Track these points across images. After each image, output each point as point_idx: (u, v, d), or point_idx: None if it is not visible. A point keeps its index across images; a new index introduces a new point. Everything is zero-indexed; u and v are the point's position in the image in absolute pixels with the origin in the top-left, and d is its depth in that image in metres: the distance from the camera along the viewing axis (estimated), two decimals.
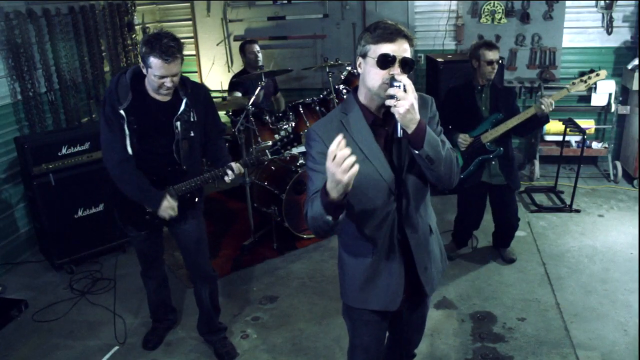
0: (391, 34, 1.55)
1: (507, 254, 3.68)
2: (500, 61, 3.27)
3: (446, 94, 3.57)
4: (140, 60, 2.30)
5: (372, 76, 1.58)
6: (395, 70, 1.54)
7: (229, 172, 2.51)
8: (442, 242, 1.96)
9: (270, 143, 4.01)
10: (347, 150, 1.33)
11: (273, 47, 5.73)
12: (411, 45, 1.59)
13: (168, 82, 2.27)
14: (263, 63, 4.73)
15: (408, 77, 1.54)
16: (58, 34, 4.33)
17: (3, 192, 3.87)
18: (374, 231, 1.70)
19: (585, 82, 3.19)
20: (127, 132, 2.36)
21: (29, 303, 3.40)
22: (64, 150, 3.66)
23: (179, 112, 2.41)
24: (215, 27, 5.88)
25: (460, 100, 3.44)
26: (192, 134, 2.46)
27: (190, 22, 5.95)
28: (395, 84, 1.49)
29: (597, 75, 3.20)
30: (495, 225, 3.69)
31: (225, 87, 5.17)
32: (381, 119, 1.66)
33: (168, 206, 2.46)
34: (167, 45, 2.18)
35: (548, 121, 3.36)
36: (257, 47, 4.67)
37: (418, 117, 1.50)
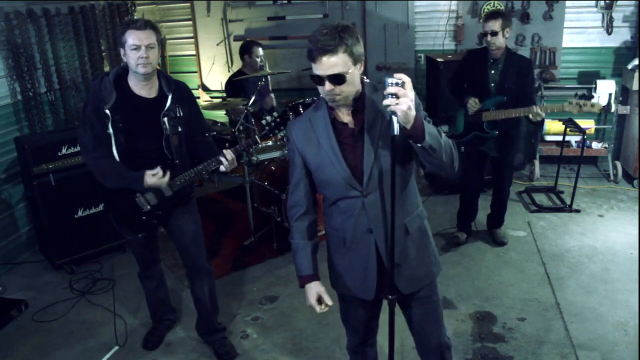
0: (313, 55, 1.59)
1: (498, 236, 3.86)
2: (496, 32, 3.25)
3: (464, 56, 3.66)
4: (120, 50, 2.36)
5: (320, 89, 1.67)
6: (327, 87, 1.60)
7: (222, 159, 2.49)
8: (432, 247, 1.93)
9: (270, 143, 4.03)
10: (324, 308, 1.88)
11: (273, 47, 5.73)
12: (344, 50, 1.57)
13: (143, 53, 2.30)
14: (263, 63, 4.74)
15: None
16: (58, 34, 4.33)
17: (3, 192, 3.87)
18: (343, 222, 1.80)
19: (580, 107, 3.30)
20: (111, 131, 2.38)
21: (29, 303, 3.40)
22: (64, 150, 3.66)
23: (166, 109, 2.44)
24: (215, 27, 5.88)
25: (472, 68, 3.49)
26: (179, 129, 2.49)
27: (190, 22, 5.95)
28: (393, 81, 1.45)
29: (592, 105, 3.30)
30: (492, 195, 3.90)
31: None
32: (342, 121, 1.74)
33: (151, 174, 2.41)
34: (139, 19, 2.37)
35: (541, 125, 3.48)
36: (262, 51, 4.67)
37: (414, 112, 1.50)
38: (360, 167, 1.71)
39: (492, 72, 3.40)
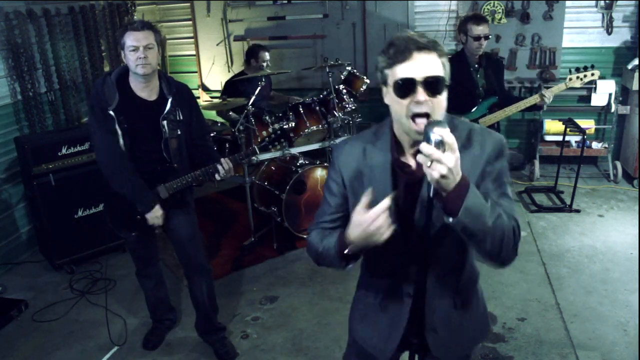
0: (404, 50, 1.23)
1: None
2: (489, 36, 3.26)
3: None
4: (121, 52, 2.37)
5: (395, 108, 1.29)
6: (420, 95, 1.22)
7: (219, 167, 2.53)
8: (481, 311, 1.62)
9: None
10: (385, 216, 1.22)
11: (273, 47, 5.72)
12: (440, 54, 1.26)
13: (141, 54, 2.32)
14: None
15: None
16: (58, 34, 4.33)
17: (3, 192, 3.87)
18: (377, 281, 1.54)
19: (581, 79, 3.30)
20: (119, 131, 2.40)
21: (29, 303, 3.40)
22: (64, 150, 3.66)
23: (165, 112, 2.45)
24: (215, 27, 5.88)
25: (457, 76, 3.39)
26: (179, 132, 2.50)
27: (190, 22, 5.95)
28: (434, 137, 1.14)
29: (592, 74, 3.30)
30: None
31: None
32: (407, 163, 1.37)
33: (157, 214, 2.50)
34: (137, 20, 2.37)
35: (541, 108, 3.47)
36: (268, 56, 4.68)
37: (458, 178, 1.16)
38: (410, 222, 1.37)
39: (478, 76, 3.37)
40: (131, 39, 2.31)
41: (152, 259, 2.87)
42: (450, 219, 1.19)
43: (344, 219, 1.45)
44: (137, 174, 2.45)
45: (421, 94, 1.22)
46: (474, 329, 1.60)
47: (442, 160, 1.11)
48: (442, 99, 1.26)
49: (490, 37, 3.26)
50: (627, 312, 3.02)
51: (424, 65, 1.23)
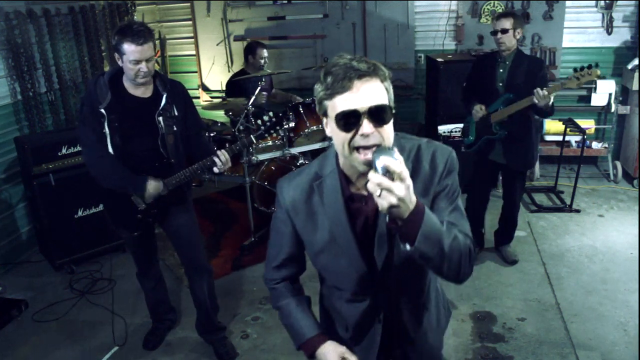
0: (343, 79, 1.14)
1: (509, 254, 3.65)
2: (507, 30, 3.17)
3: (474, 62, 3.63)
4: (115, 53, 2.34)
5: (339, 141, 1.20)
6: (366, 128, 1.14)
7: (216, 159, 2.52)
8: (442, 307, 1.64)
9: (270, 143, 4.03)
10: None
11: (273, 47, 5.73)
12: (383, 79, 1.18)
13: (143, 67, 2.31)
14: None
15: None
16: (58, 34, 4.33)
17: (3, 192, 3.87)
18: (348, 312, 1.49)
19: (578, 79, 3.04)
20: (107, 130, 2.38)
21: (29, 303, 3.40)
22: (64, 150, 3.66)
23: (161, 108, 2.45)
24: (215, 27, 5.88)
25: (481, 71, 3.44)
26: (175, 129, 2.50)
27: (190, 22, 5.95)
28: (378, 163, 1.08)
29: (589, 74, 3.01)
30: (502, 209, 3.67)
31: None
32: (360, 194, 1.31)
33: (154, 186, 2.46)
34: (137, 30, 2.27)
35: (552, 112, 3.21)
36: (266, 52, 4.68)
37: (412, 205, 1.10)
38: (372, 253, 1.35)
39: (501, 70, 3.31)
40: (132, 53, 2.26)
41: (153, 259, 2.87)
42: (408, 247, 1.14)
43: (298, 259, 1.53)
44: (120, 164, 2.41)
45: (367, 126, 1.14)
46: (441, 331, 1.63)
47: (392, 189, 1.05)
48: (389, 128, 1.19)
49: (506, 30, 3.16)
50: (627, 312, 3.03)
51: (367, 94, 1.15)
